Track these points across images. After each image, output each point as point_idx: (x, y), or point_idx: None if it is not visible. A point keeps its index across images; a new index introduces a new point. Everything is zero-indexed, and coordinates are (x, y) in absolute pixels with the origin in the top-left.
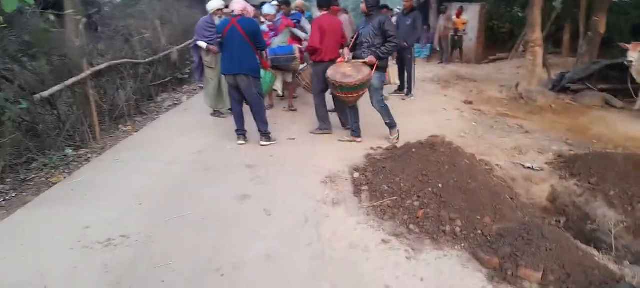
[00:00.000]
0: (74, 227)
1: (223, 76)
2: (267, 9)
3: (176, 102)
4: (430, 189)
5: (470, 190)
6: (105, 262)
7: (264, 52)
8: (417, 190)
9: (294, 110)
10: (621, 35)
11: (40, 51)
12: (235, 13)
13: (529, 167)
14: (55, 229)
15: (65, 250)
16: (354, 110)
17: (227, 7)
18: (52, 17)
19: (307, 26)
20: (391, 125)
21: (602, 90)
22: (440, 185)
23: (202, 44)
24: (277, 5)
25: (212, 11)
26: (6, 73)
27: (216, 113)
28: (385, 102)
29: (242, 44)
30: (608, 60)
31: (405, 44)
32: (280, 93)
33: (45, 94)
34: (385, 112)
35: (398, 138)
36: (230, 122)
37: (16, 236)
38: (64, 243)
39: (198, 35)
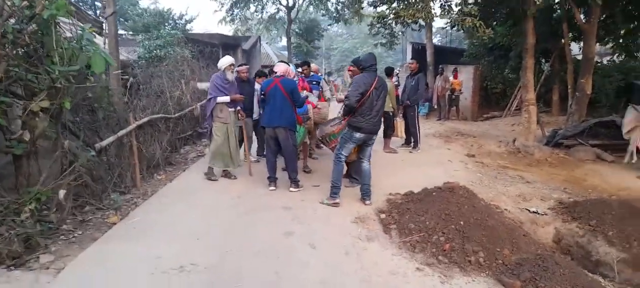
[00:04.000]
0: (148, 257)
1: (227, 133)
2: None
3: (199, 154)
4: (453, 226)
5: (489, 226)
6: (184, 285)
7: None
8: (441, 227)
9: (309, 172)
10: (607, 96)
11: (99, 106)
12: (278, 74)
13: (534, 211)
14: (132, 259)
15: (147, 275)
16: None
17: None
18: (104, 76)
19: (326, 86)
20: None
21: (593, 146)
22: (462, 223)
23: (225, 99)
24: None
25: (224, 67)
26: (71, 126)
27: (210, 173)
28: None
29: (283, 100)
30: (597, 118)
31: (408, 102)
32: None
33: (104, 143)
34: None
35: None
36: (257, 171)
37: (99, 265)
38: (143, 270)
39: (214, 91)
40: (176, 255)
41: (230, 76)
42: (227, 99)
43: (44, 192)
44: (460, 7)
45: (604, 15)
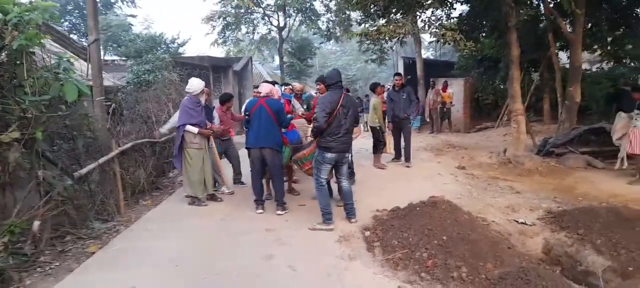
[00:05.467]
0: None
1: (203, 159)
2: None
3: None
4: (436, 241)
5: (471, 240)
6: None
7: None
8: (424, 243)
9: (298, 194)
10: (597, 103)
11: (79, 133)
12: (263, 94)
13: (522, 222)
14: None
15: None
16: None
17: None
18: (85, 104)
19: (296, 104)
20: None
21: (583, 153)
22: (444, 238)
23: (193, 129)
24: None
25: (198, 92)
26: (50, 154)
27: (195, 200)
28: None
29: (268, 121)
30: (587, 126)
31: (405, 115)
32: None
33: (83, 171)
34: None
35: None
36: (241, 193)
37: None
38: None
39: (185, 118)
40: (151, 283)
41: (203, 99)
42: (195, 130)
43: (17, 224)
44: (439, 22)
45: (589, 24)
